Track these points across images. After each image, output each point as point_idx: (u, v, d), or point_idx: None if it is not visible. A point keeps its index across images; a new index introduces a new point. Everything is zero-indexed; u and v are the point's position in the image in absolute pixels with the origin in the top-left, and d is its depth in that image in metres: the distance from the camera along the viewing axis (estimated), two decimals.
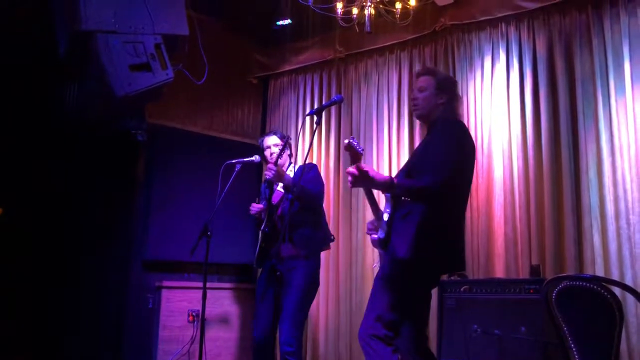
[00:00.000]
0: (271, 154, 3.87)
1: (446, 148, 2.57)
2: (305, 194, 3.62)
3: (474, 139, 4.41)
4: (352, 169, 2.49)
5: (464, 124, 2.80)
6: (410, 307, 2.61)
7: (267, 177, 3.62)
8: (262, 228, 3.74)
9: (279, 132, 4.07)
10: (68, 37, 3.21)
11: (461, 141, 2.67)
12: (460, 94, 3.10)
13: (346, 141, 2.59)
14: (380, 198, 3.05)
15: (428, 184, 2.50)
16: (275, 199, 3.84)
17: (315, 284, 3.71)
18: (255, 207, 3.85)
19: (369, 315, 2.57)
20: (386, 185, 2.53)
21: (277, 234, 3.70)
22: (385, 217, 2.69)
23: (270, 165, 3.63)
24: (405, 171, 2.72)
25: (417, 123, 4.77)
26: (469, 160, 2.73)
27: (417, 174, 2.61)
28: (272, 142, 3.91)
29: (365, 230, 2.90)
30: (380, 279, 2.62)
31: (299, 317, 3.57)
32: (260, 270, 3.89)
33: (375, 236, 2.70)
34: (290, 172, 3.85)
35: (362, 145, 2.80)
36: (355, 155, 2.61)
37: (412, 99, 2.85)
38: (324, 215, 3.90)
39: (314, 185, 3.75)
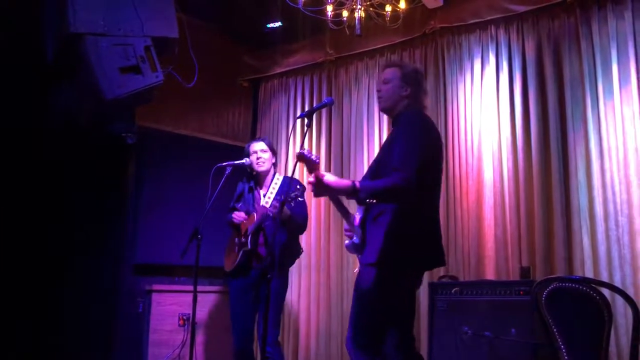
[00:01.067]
0: (257, 159, 3.93)
1: (410, 142, 2.47)
2: (296, 226, 3.88)
3: (464, 141, 4.48)
4: (311, 179, 2.40)
5: (426, 115, 2.69)
6: (392, 311, 2.50)
7: (270, 211, 3.75)
8: (245, 245, 3.82)
9: (267, 139, 4.13)
10: (56, 40, 3.19)
11: (425, 132, 2.56)
12: (426, 87, 3.04)
13: (299, 152, 2.50)
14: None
15: (395, 182, 2.38)
16: (257, 214, 3.88)
17: (286, 289, 3.97)
18: (239, 216, 3.92)
19: (351, 325, 2.49)
20: (349, 191, 2.40)
21: (254, 251, 3.84)
22: (357, 220, 2.62)
23: (273, 206, 3.75)
24: (373, 170, 2.62)
25: None
26: (436, 151, 2.62)
27: (385, 172, 2.49)
28: (259, 147, 3.97)
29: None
30: (358, 286, 2.51)
31: (278, 320, 3.84)
32: (235, 279, 3.95)
33: (348, 241, 2.63)
34: (276, 183, 3.96)
35: (309, 149, 2.73)
36: (310, 164, 2.51)
37: (376, 91, 2.78)
38: None
39: (302, 217, 3.94)
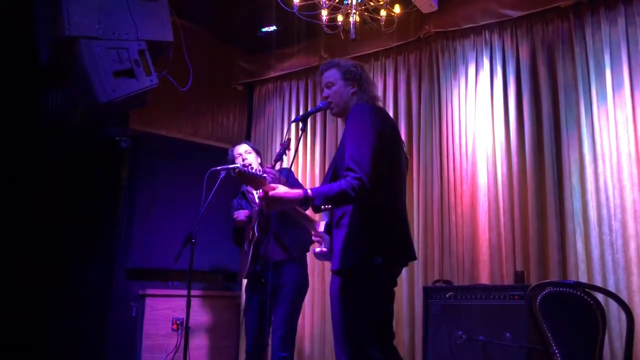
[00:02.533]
0: (244, 160, 3.86)
1: (358, 138, 2.32)
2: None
3: (458, 146, 4.49)
4: (260, 194, 2.32)
5: (374, 106, 2.51)
6: (372, 316, 2.35)
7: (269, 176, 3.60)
8: (254, 236, 3.65)
9: (248, 141, 4.11)
10: (50, 44, 3.18)
11: (373, 123, 2.37)
12: (370, 75, 2.90)
13: (236, 170, 2.36)
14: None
15: (349, 184, 2.24)
16: (256, 206, 3.83)
17: (306, 284, 3.75)
18: (242, 213, 3.81)
19: (335, 334, 2.38)
20: (301, 201, 2.29)
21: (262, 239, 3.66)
22: (321, 227, 2.53)
23: (268, 168, 3.60)
24: (332, 172, 2.47)
25: (403, 128, 4.79)
26: (390, 141, 2.45)
27: (338, 174, 2.36)
28: (242, 149, 3.93)
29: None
30: (333, 295, 2.39)
31: (292, 324, 3.62)
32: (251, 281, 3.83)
33: (318, 250, 2.53)
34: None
35: (246, 164, 2.53)
36: (254, 180, 2.40)
37: (323, 98, 2.62)
38: None
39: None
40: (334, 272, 2.38)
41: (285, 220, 3.58)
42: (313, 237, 2.62)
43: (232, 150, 4.01)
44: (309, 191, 2.29)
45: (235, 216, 3.83)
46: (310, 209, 2.43)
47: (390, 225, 2.38)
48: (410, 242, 2.46)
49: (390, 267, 2.42)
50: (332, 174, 2.46)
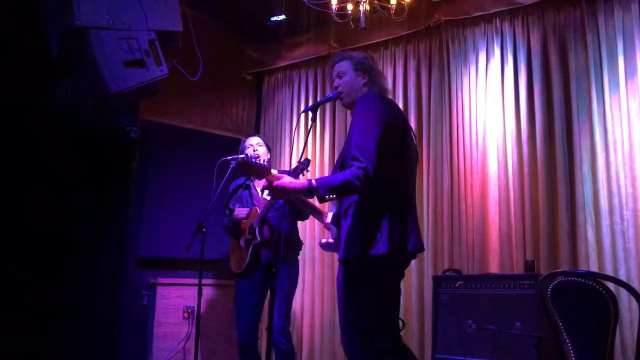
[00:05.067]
0: (254, 151, 3.93)
1: (364, 128, 2.32)
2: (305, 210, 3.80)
3: (468, 135, 4.46)
4: (264, 184, 2.32)
5: (381, 96, 2.50)
6: (378, 306, 2.35)
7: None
8: (255, 238, 3.80)
9: (260, 136, 4.22)
10: (60, 35, 3.19)
11: (379, 112, 2.36)
12: (380, 64, 2.93)
13: (239, 160, 2.36)
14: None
15: (353, 173, 2.24)
16: (259, 205, 3.89)
17: (296, 282, 3.97)
18: (240, 212, 3.91)
19: (342, 325, 2.41)
20: (305, 191, 2.29)
21: (264, 242, 3.84)
22: (329, 218, 2.54)
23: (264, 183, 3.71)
24: (340, 162, 2.46)
25: (413, 117, 4.78)
26: (397, 130, 2.43)
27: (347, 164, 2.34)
28: (255, 141, 4.02)
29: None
30: (340, 285, 2.40)
31: (287, 311, 3.85)
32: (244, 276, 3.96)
33: (324, 241, 2.56)
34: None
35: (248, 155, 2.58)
36: (258, 171, 2.40)
37: (334, 88, 2.64)
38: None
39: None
40: (340, 262, 2.40)
41: (284, 228, 3.77)
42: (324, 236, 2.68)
43: (245, 141, 4.07)
44: (314, 181, 2.29)
45: (235, 215, 3.92)
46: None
47: (396, 216, 2.35)
48: (418, 233, 2.42)
49: (396, 258, 2.38)
50: (340, 164, 2.46)
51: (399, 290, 2.47)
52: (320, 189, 2.27)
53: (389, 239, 2.30)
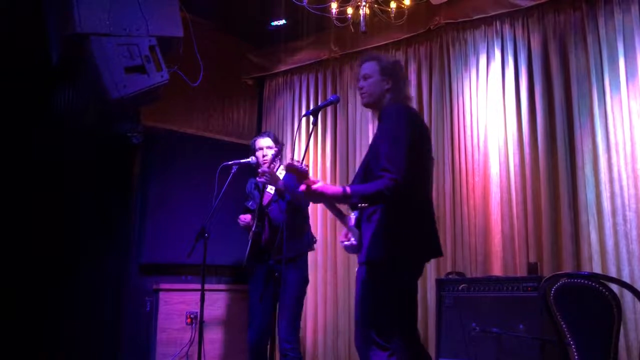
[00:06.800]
0: (264, 156, 3.93)
1: (395, 139, 2.45)
2: (297, 198, 3.74)
3: (470, 137, 4.47)
4: (302, 187, 2.41)
5: (408, 107, 2.67)
6: (397, 306, 2.50)
7: (262, 181, 3.74)
8: (252, 229, 3.80)
9: (272, 134, 4.12)
10: (61, 42, 3.20)
11: (409, 127, 2.51)
12: (408, 77, 3.04)
13: (286, 164, 2.49)
14: None
15: (384, 184, 2.37)
16: (264, 201, 3.91)
17: (306, 282, 3.89)
18: (244, 218, 3.93)
19: (359, 324, 2.51)
20: (340, 197, 2.45)
21: (266, 235, 3.83)
22: (352, 221, 2.64)
23: (263, 169, 3.75)
24: (363, 171, 2.60)
25: None
26: (422, 141, 2.61)
27: (372, 172, 2.49)
28: (265, 144, 3.97)
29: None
30: (361, 285, 2.51)
31: (296, 315, 3.75)
32: (252, 271, 3.96)
33: (347, 243, 2.65)
34: (280, 175, 3.91)
35: (298, 160, 2.73)
36: (301, 174, 2.48)
37: (358, 88, 2.75)
38: (308, 218, 4.05)
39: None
40: (361, 264, 2.51)
41: (287, 224, 3.73)
42: (341, 236, 2.74)
43: (255, 142, 4.05)
44: (348, 189, 2.42)
45: (239, 221, 3.95)
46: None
47: (418, 223, 2.52)
48: (437, 238, 2.59)
49: (415, 261, 2.57)
50: (363, 172, 2.58)
51: (416, 291, 2.64)
52: (353, 197, 2.42)
53: (411, 244, 2.47)
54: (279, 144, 4.03)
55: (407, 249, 2.46)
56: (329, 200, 2.52)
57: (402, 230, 2.46)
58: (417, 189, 2.54)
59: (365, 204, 2.50)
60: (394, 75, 2.68)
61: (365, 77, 2.70)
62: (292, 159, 2.61)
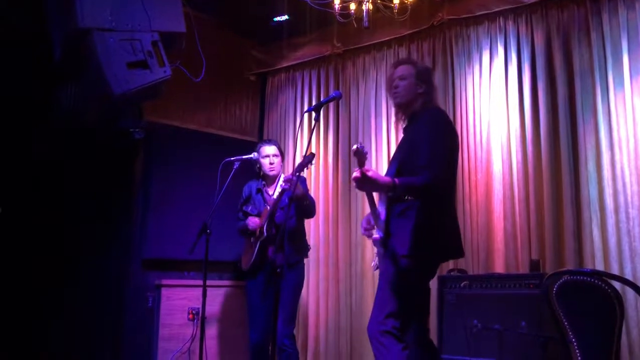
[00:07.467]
0: (270, 164, 4.03)
1: (436, 139, 2.62)
2: (310, 207, 3.98)
3: (472, 134, 4.46)
4: (357, 174, 2.50)
5: (445, 112, 2.86)
6: (416, 301, 2.66)
7: (285, 188, 3.80)
8: (264, 235, 3.88)
9: (276, 142, 4.23)
10: (64, 37, 3.20)
11: (447, 130, 2.73)
12: (437, 84, 3.22)
13: (355, 147, 2.53)
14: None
15: (429, 180, 2.53)
16: (269, 205, 3.97)
17: (302, 286, 4.06)
18: (254, 222, 3.99)
19: (377, 312, 2.59)
20: (389, 187, 2.56)
21: (270, 238, 3.90)
22: (382, 215, 2.71)
23: (288, 176, 3.84)
24: (396, 167, 2.72)
25: None
26: (456, 148, 2.80)
27: (409, 169, 2.62)
28: (271, 151, 4.06)
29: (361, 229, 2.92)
30: (385, 277, 2.63)
31: (293, 314, 3.90)
32: (251, 270, 4.01)
33: (377, 236, 2.73)
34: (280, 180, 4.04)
35: (362, 143, 2.83)
36: (362, 159, 2.58)
37: (392, 87, 2.85)
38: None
39: (311, 198, 4.12)
40: (403, 256, 2.57)
41: (291, 229, 3.90)
42: (362, 228, 2.85)
43: (260, 148, 4.11)
44: (396, 180, 2.55)
45: (248, 223, 4.02)
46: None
47: (449, 223, 2.68)
48: (460, 239, 2.76)
49: (446, 258, 2.98)
50: (397, 170, 2.68)
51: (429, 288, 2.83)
52: (399, 189, 2.55)
53: (439, 243, 2.62)
54: (282, 153, 4.15)
55: (441, 247, 2.63)
56: (378, 188, 2.61)
57: (438, 229, 2.61)
58: (450, 192, 2.74)
59: (407, 196, 2.61)
60: (427, 81, 2.82)
61: (401, 78, 2.81)
62: (360, 142, 2.62)
